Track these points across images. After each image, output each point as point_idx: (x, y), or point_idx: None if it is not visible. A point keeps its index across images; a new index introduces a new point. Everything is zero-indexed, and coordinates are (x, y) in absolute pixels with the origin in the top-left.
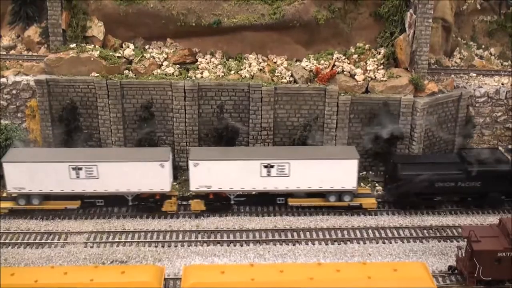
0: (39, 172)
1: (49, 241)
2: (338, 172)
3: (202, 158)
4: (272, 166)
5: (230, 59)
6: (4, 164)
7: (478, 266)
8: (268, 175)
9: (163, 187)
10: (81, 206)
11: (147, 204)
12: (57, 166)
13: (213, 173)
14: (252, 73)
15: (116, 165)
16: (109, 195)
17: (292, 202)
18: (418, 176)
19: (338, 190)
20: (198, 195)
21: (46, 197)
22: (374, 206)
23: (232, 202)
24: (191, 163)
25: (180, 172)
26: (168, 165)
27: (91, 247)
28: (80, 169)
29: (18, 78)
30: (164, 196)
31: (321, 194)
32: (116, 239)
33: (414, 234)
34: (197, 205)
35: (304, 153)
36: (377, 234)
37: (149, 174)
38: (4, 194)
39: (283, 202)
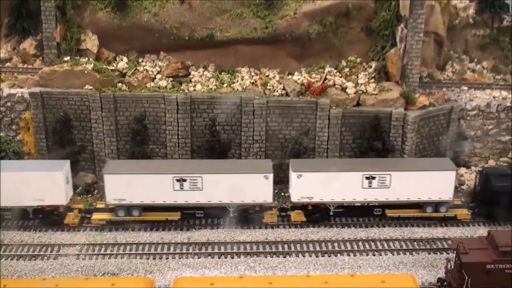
0: (142, 183)
1: (41, 253)
2: (436, 183)
3: (306, 169)
4: (373, 178)
5: (222, 72)
6: (105, 176)
7: (467, 278)
8: (369, 186)
9: (266, 198)
10: (181, 218)
11: (247, 215)
12: (161, 178)
13: (315, 184)
14: (244, 86)
15: (221, 176)
16: (210, 207)
17: (390, 213)
18: (510, 187)
19: (435, 201)
20: (296, 206)
21: (145, 208)
22: (467, 217)
23: (331, 213)
24: (294, 174)
25: None
26: (271, 177)
27: (83, 259)
28: (185, 180)
29: (12, 91)
30: (263, 207)
31: (418, 205)
32: (108, 251)
33: (404, 246)
34: (297, 216)
35: (404, 164)
36: (367, 246)
37: (253, 186)
38: (99, 205)
39: (380, 213)
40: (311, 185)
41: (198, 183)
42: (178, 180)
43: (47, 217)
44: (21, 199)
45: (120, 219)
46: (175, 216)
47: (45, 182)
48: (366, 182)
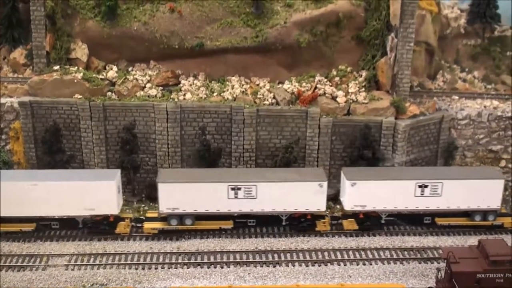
0: (196, 192)
1: (30, 263)
2: (485, 191)
3: (360, 178)
4: (426, 186)
5: (213, 81)
6: (159, 184)
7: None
8: (422, 194)
9: (320, 207)
10: (234, 227)
11: (300, 224)
12: (216, 186)
13: (369, 192)
14: (234, 95)
15: (276, 185)
16: (262, 215)
17: (440, 221)
18: None
19: (484, 209)
20: (346, 215)
21: (197, 217)
22: None
23: (383, 221)
24: (348, 183)
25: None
26: (325, 185)
27: (72, 269)
28: (239, 189)
29: (2, 100)
30: (316, 216)
31: (465, 213)
32: (97, 262)
33: (395, 256)
34: (350, 224)
35: (454, 173)
36: (358, 256)
37: (307, 194)
38: (149, 215)
39: (430, 222)
40: (364, 193)
41: (253, 191)
42: (233, 189)
43: (97, 227)
44: (71, 209)
45: (172, 228)
46: (228, 225)
47: (98, 192)
48: (418, 190)
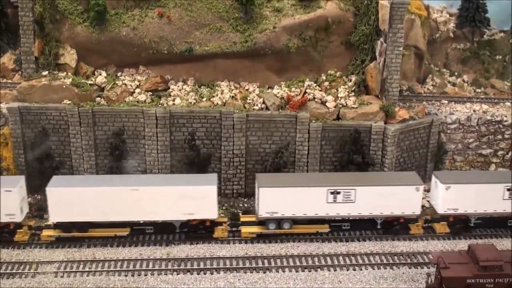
0: (296, 196)
1: (19, 271)
2: None
3: (454, 181)
4: None
5: (202, 86)
6: (260, 189)
7: None
8: (510, 197)
9: (415, 210)
10: (330, 231)
11: (393, 227)
12: (316, 191)
13: (462, 196)
14: (224, 100)
15: (375, 189)
16: (355, 219)
17: None
18: None
19: None
20: (433, 218)
21: (295, 221)
22: None
23: (472, 224)
24: (442, 186)
25: None
26: (422, 189)
27: (62, 276)
28: (339, 193)
29: None
30: (408, 219)
31: None
32: (87, 268)
33: (385, 261)
34: (442, 227)
35: None
36: (348, 261)
37: (404, 198)
38: (242, 219)
39: None
40: (458, 196)
41: (351, 195)
42: (332, 193)
43: (195, 231)
44: (171, 213)
45: (271, 232)
46: (324, 228)
47: (199, 196)
48: (507, 193)
